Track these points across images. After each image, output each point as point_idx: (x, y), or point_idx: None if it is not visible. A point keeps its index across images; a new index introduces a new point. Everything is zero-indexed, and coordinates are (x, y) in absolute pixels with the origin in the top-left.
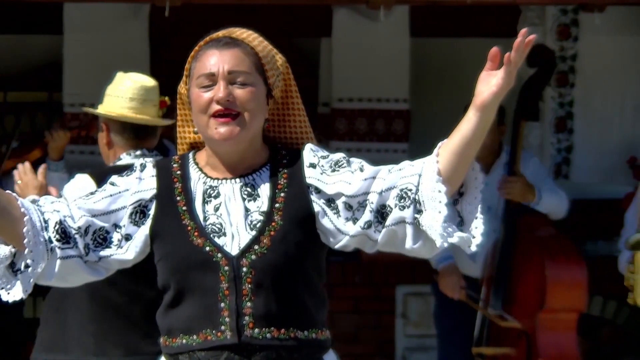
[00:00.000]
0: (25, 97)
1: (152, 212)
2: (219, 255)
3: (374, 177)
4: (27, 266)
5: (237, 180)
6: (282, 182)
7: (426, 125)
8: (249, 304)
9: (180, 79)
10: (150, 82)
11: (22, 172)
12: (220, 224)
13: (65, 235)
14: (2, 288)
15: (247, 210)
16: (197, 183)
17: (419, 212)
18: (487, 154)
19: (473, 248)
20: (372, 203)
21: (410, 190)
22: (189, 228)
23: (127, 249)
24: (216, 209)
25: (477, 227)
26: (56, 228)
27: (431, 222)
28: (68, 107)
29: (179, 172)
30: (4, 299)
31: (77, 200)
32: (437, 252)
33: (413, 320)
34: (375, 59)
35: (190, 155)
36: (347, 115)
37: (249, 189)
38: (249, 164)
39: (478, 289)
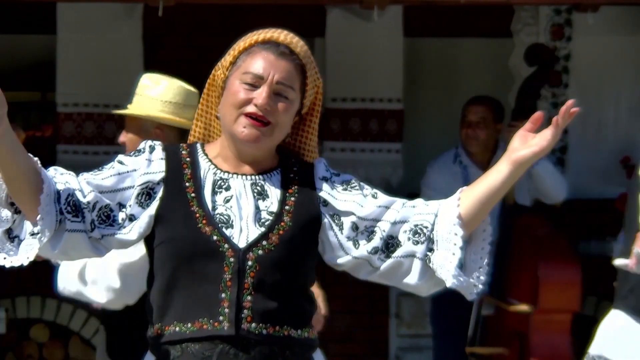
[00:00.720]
0: (19, 96)
1: (159, 194)
2: (226, 245)
3: (387, 207)
4: (33, 234)
5: (249, 177)
6: (293, 188)
7: (420, 125)
8: (249, 297)
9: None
10: (190, 86)
11: None
12: (229, 216)
13: (75, 208)
14: (3, 257)
15: (257, 207)
16: (207, 173)
17: (430, 250)
18: (483, 150)
19: (474, 295)
20: (383, 231)
21: (426, 227)
22: (197, 215)
23: (131, 230)
24: (226, 201)
25: (480, 277)
26: (68, 200)
27: (444, 262)
28: (61, 106)
29: (188, 159)
30: (1, 263)
31: (85, 175)
32: (434, 291)
33: (406, 321)
34: (369, 58)
35: (199, 146)
36: (340, 115)
37: (258, 188)
38: (261, 165)
39: None
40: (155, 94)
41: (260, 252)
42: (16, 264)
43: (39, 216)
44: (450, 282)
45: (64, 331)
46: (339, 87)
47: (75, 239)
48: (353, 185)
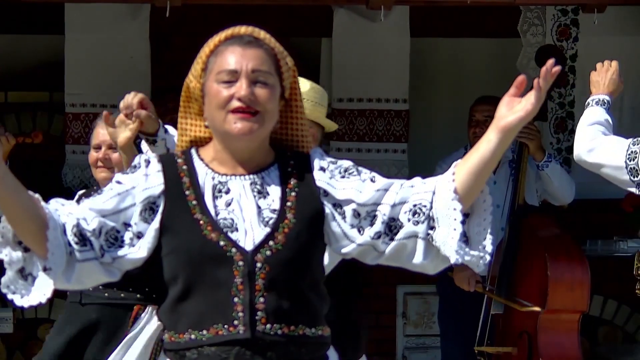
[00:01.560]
0: (27, 97)
1: (161, 207)
2: (233, 250)
3: (386, 190)
4: (45, 269)
5: (247, 177)
6: (292, 182)
7: (426, 125)
8: (261, 299)
9: (182, 79)
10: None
11: None
12: (232, 219)
13: (82, 238)
14: (15, 293)
15: (258, 207)
16: (206, 178)
17: (432, 228)
18: None
19: (482, 267)
20: (383, 215)
21: (425, 206)
22: (202, 222)
23: (140, 247)
24: (227, 205)
25: (486, 247)
26: (74, 231)
27: (445, 238)
28: (69, 107)
29: (184, 167)
30: (19, 304)
31: (86, 201)
32: (441, 268)
33: (413, 320)
34: (375, 59)
35: (193, 151)
36: (346, 115)
37: (258, 187)
38: (257, 163)
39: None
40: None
41: (268, 252)
42: (34, 303)
43: (49, 253)
44: (454, 258)
45: None
46: (345, 87)
47: (88, 268)
48: (351, 171)
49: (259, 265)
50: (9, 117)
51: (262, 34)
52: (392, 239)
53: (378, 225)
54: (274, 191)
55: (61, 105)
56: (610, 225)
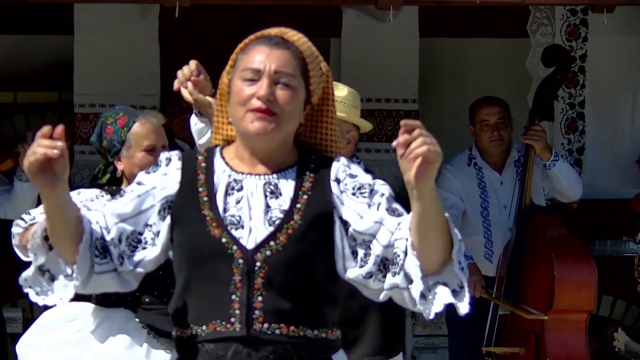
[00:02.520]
0: (36, 97)
1: (174, 202)
2: (234, 247)
3: (382, 224)
4: (67, 275)
5: (262, 176)
6: (306, 185)
7: (435, 125)
8: (259, 298)
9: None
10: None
11: None
12: (240, 217)
13: (103, 249)
14: (31, 288)
15: (268, 206)
16: (222, 175)
17: (410, 280)
18: (500, 152)
19: (432, 316)
20: (376, 256)
21: (399, 256)
22: (208, 218)
23: (155, 245)
24: (237, 202)
25: (440, 303)
26: (96, 244)
27: (416, 294)
28: (78, 107)
29: (203, 165)
30: (33, 299)
31: (107, 205)
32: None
33: (422, 321)
34: (384, 59)
35: (218, 149)
36: None
37: (272, 187)
38: (276, 163)
39: (493, 287)
40: (342, 98)
41: (268, 252)
42: (49, 303)
43: (76, 264)
44: (427, 316)
45: None
46: (354, 87)
47: (104, 279)
48: (362, 191)
49: (258, 264)
50: (19, 117)
51: (294, 36)
52: (383, 289)
53: (369, 266)
54: (287, 192)
55: (70, 106)
56: (620, 226)
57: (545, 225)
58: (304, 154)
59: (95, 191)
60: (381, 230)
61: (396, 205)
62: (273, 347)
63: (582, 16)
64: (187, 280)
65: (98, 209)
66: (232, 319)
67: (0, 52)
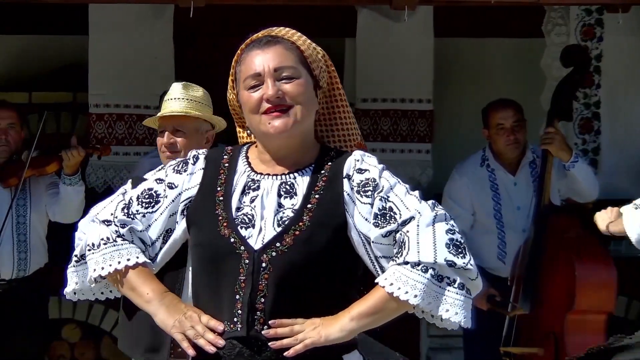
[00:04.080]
0: (50, 97)
1: (191, 204)
2: (242, 247)
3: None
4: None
5: (280, 176)
6: (320, 184)
7: (450, 125)
8: (262, 299)
9: (205, 79)
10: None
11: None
12: (252, 216)
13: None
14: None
15: (280, 206)
16: (242, 175)
17: None
18: (516, 155)
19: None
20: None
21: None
22: (220, 218)
23: (170, 243)
24: (251, 201)
25: None
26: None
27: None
28: (93, 107)
29: (227, 165)
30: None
31: (148, 214)
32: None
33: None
34: (399, 59)
35: (244, 148)
36: (371, 115)
37: (287, 186)
38: (296, 161)
39: (507, 288)
40: (199, 98)
41: (273, 253)
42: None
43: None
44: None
45: (96, 331)
46: (369, 87)
47: None
48: (367, 190)
49: (263, 265)
50: (33, 118)
51: (282, 31)
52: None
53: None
54: (301, 191)
55: (85, 106)
56: None
57: (563, 226)
58: (325, 151)
59: None
60: (372, 241)
61: (391, 203)
62: (273, 349)
63: (597, 16)
64: (200, 279)
65: (142, 228)
66: (235, 319)
67: (14, 53)
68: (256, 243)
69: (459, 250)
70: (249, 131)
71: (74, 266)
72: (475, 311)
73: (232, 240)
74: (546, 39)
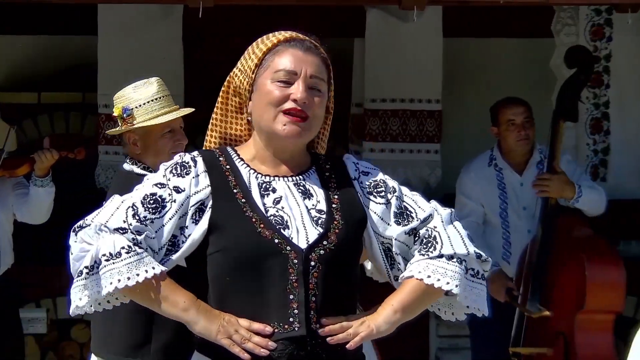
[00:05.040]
0: (60, 97)
1: (209, 206)
2: (288, 248)
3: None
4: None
5: (290, 178)
6: (333, 186)
7: (458, 125)
8: (314, 298)
9: (213, 79)
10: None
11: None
12: (282, 217)
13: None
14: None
15: (306, 207)
16: (250, 177)
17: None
18: (526, 152)
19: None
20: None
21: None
22: (254, 220)
23: (185, 248)
24: (276, 202)
25: None
26: None
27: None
28: (102, 107)
29: (228, 166)
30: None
31: (153, 221)
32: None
33: (446, 321)
34: (408, 59)
35: (230, 150)
36: (379, 115)
37: (302, 188)
38: (297, 164)
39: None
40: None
41: (321, 252)
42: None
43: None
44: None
45: None
46: (378, 87)
47: None
48: (379, 190)
49: (312, 263)
50: (42, 118)
51: (318, 42)
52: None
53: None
54: (317, 193)
55: (94, 106)
56: None
57: (572, 226)
58: (315, 155)
59: None
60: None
61: (405, 202)
62: (324, 346)
63: (606, 16)
64: (233, 284)
65: (153, 234)
66: (291, 319)
67: (24, 53)
68: (300, 242)
69: (475, 244)
70: (249, 118)
71: (83, 279)
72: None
73: (277, 241)
74: (555, 39)
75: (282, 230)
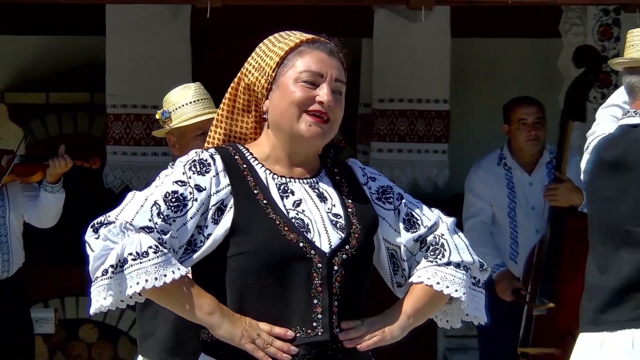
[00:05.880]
0: (68, 97)
1: (230, 206)
2: (312, 252)
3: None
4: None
5: (304, 180)
6: (345, 190)
7: (466, 125)
8: (336, 302)
9: (222, 80)
10: None
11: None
12: (303, 220)
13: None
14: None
15: (325, 211)
16: (267, 177)
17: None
18: (535, 152)
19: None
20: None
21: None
22: (278, 223)
23: (206, 248)
24: (296, 205)
25: None
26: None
27: None
28: (110, 108)
29: (244, 165)
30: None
31: (175, 220)
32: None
33: None
34: (416, 59)
35: (240, 147)
36: (387, 115)
37: (317, 191)
38: (311, 166)
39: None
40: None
41: (344, 256)
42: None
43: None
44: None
45: (113, 331)
46: (385, 87)
47: None
48: (387, 196)
49: (335, 268)
50: (50, 118)
51: (339, 46)
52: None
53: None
54: (332, 196)
55: (102, 106)
56: None
57: (582, 226)
58: (322, 159)
59: None
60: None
61: (411, 209)
62: (343, 351)
63: (614, 16)
64: (254, 287)
65: (172, 233)
66: (315, 324)
67: (32, 53)
68: (323, 246)
69: (479, 249)
70: (265, 115)
71: (107, 278)
72: (490, 312)
73: (301, 244)
74: (563, 39)
75: (305, 234)
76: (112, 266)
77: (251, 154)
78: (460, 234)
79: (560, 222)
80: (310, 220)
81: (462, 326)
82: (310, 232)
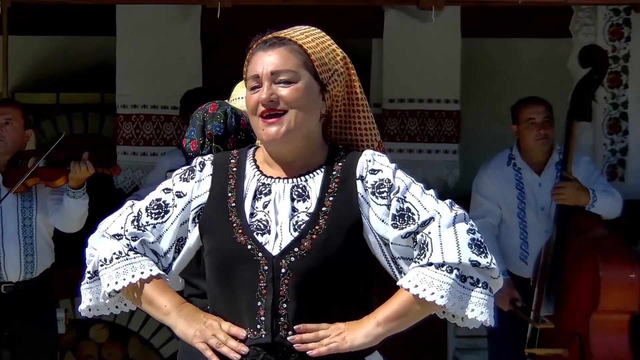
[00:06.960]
0: (78, 98)
1: (203, 211)
2: (260, 254)
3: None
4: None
5: (291, 180)
6: (332, 186)
7: (476, 126)
8: (285, 305)
9: (232, 80)
10: None
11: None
12: (267, 222)
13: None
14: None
15: (294, 210)
16: (252, 180)
17: None
18: (544, 152)
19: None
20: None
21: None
22: (234, 225)
23: (186, 250)
24: (264, 206)
25: None
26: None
27: None
28: (120, 108)
29: (235, 169)
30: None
31: (155, 226)
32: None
33: None
34: (426, 59)
35: (251, 151)
36: (397, 115)
37: (300, 190)
38: (304, 164)
39: (530, 289)
40: None
41: (292, 258)
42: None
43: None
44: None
45: (123, 331)
46: (396, 88)
47: None
48: (382, 191)
49: (282, 270)
50: (61, 118)
51: (289, 33)
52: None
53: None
54: (314, 194)
55: (112, 107)
56: None
57: (587, 226)
58: (334, 151)
59: None
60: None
61: (408, 204)
62: (299, 354)
63: (625, 16)
64: (216, 287)
65: (154, 239)
66: (259, 326)
67: (42, 54)
68: (274, 249)
69: (481, 249)
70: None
71: (87, 283)
72: (499, 312)
73: (249, 247)
74: (573, 39)
75: (257, 236)
76: (89, 272)
77: (253, 156)
78: (461, 228)
79: (567, 221)
80: (273, 221)
81: (479, 327)
82: (267, 234)
